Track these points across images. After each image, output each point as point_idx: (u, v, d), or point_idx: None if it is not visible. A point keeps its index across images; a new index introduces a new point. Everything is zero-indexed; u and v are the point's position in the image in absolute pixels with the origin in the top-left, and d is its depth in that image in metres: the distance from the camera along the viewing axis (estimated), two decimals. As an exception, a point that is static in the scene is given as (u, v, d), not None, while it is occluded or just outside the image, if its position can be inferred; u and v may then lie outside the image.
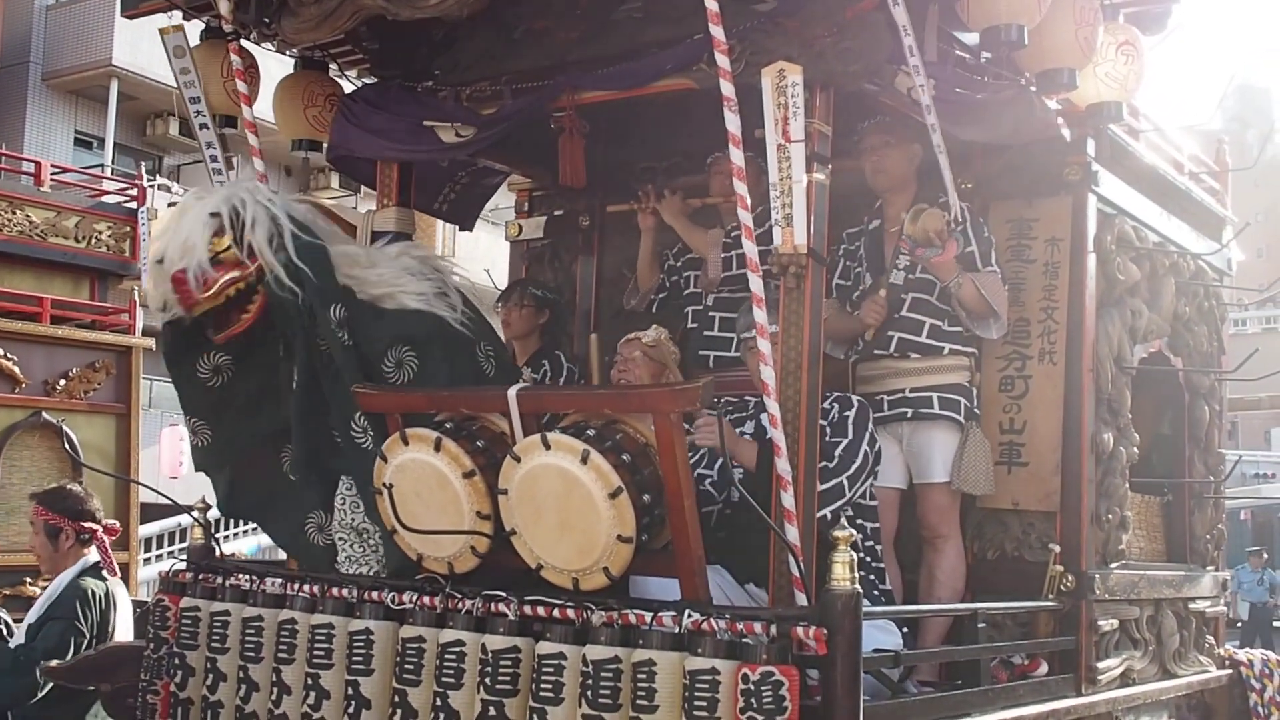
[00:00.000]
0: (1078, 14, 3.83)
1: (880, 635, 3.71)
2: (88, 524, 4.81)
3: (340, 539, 3.99)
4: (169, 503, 5.22)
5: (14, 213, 8.28)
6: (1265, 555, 20.52)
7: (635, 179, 5.41)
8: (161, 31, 4.65)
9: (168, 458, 15.24)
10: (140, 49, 17.74)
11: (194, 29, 4.74)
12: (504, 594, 3.33)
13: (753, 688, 2.90)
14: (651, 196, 5.10)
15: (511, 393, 3.46)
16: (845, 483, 3.79)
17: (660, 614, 3.11)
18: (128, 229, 8.93)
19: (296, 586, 3.77)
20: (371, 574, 3.87)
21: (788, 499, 3.32)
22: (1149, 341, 5.05)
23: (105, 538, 4.88)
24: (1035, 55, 3.84)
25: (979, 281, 4.30)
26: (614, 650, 3.08)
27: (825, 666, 3.05)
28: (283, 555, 4.53)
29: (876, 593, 3.94)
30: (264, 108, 4.64)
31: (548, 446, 3.24)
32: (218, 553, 4.39)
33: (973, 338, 4.43)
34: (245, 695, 3.76)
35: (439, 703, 3.31)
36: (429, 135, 4.31)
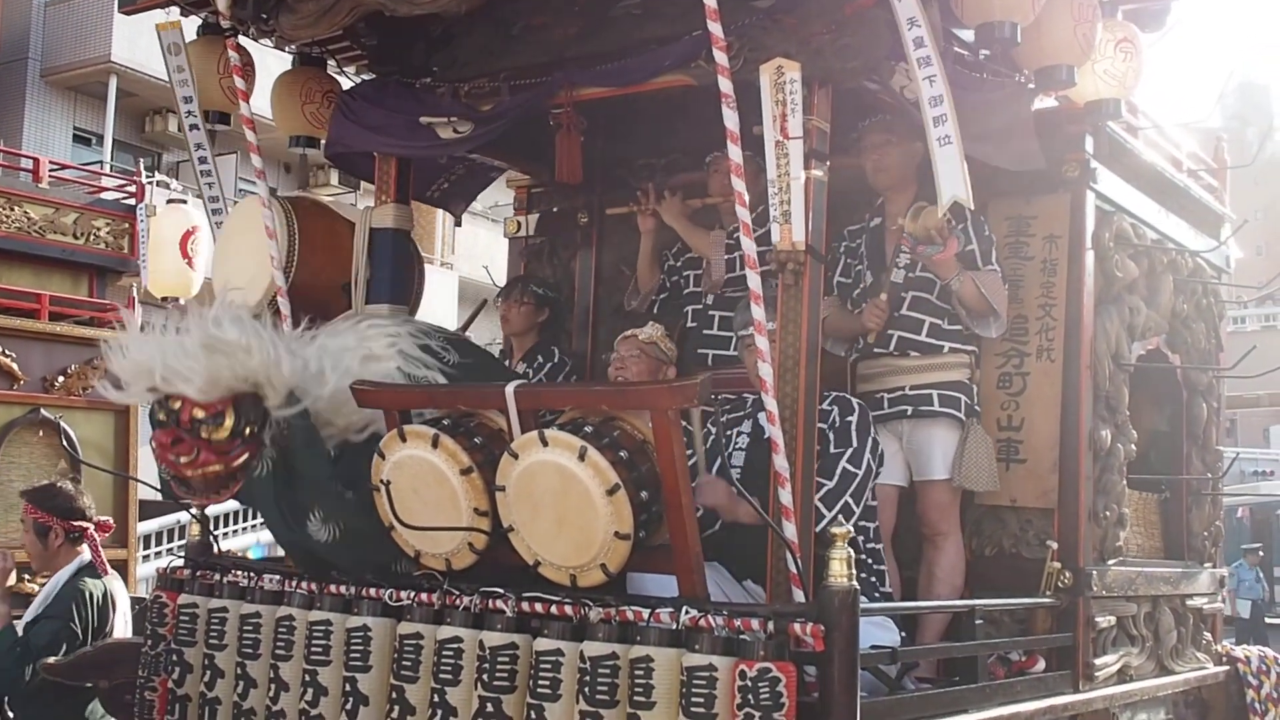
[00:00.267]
0: (1076, 11, 3.83)
1: (878, 632, 3.71)
2: (77, 522, 4.78)
3: None
4: (167, 500, 5.22)
5: (12, 209, 8.27)
6: (1262, 553, 20.54)
7: (634, 176, 5.41)
8: (158, 27, 4.65)
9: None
10: (139, 45, 17.73)
11: (191, 24, 4.74)
12: (501, 591, 3.33)
13: (750, 684, 2.91)
14: (651, 198, 5.09)
15: (509, 389, 3.46)
16: (850, 501, 3.79)
17: (658, 610, 3.12)
18: (126, 226, 8.92)
19: (294, 583, 3.77)
20: None
21: (785, 496, 3.32)
22: (1147, 339, 5.05)
23: (97, 535, 4.86)
24: (1033, 52, 3.84)
25: (979, 280, 4.30)
26: (611, 647, 3.09)
27: (823, 663, 3.06)
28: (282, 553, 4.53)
29: (877, 594, 3.94)
30: (262, 104, 4.64)
31: (545, 443, 3.24)
32: (215, 549, 4.39)
33: (972, 335, 4.44)
34: (243, 692, 3.76)
35: (437, 699, 3.32)
36: (427, 131, 4.31)
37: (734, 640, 3.00)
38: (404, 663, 3.41)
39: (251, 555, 3.96)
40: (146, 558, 12.29)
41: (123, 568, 7.75)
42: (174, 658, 3.97)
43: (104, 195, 9.38)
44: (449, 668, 3.32)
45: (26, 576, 7.10)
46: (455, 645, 3.32)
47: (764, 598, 3.53)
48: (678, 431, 3.22)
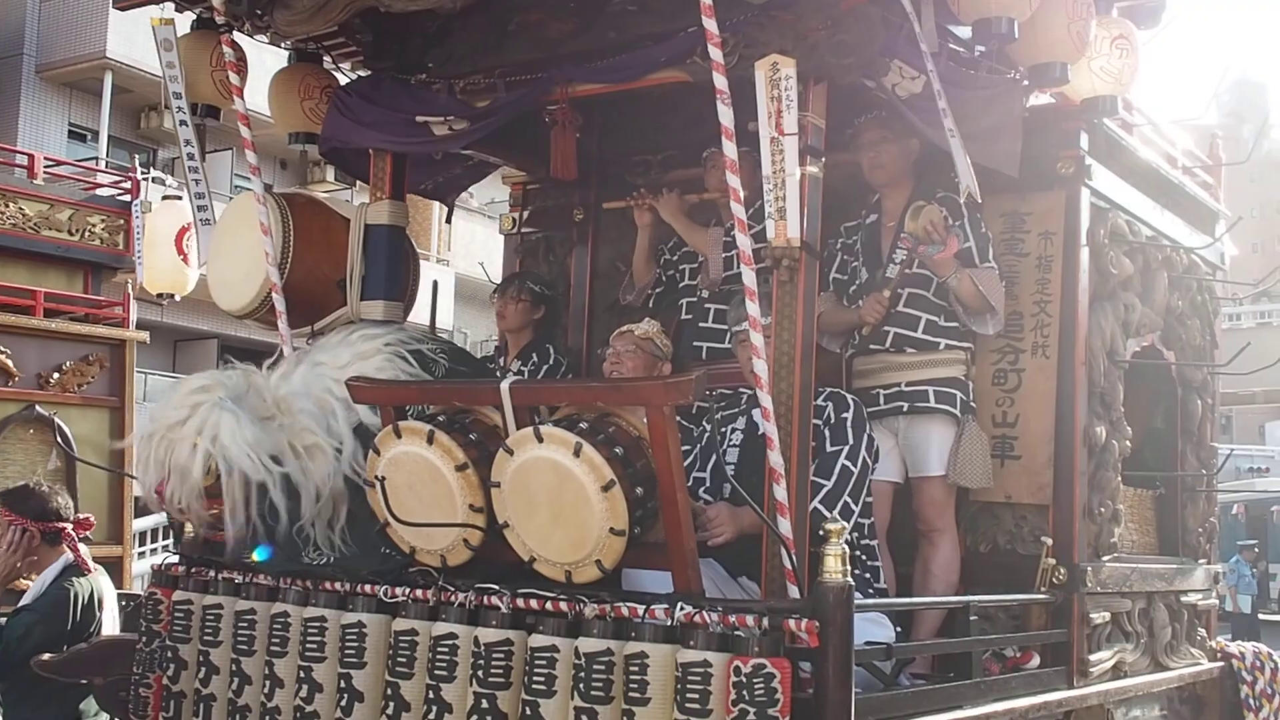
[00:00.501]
0: (1070, 8, 3.83)
1: (873, 629, 3.71)
2: (53, 523, 4.76)
3: None
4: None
5: (7, 205, 8.25)
6: (1257, 549, 20.59)
7: (629, 172, 5.41)
8: (152, 23, 4.65)
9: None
10: (135, 41, 17.71)
11: (185, 20, 4.73)
12: (496, 587, 3.33)
13: (745, 680, 2.91)
14: (648, 194, 5.09)
15: (504, 386, 3.46)
16: (849, 500, 3.79)
17: (653, 607, 3.12)
18: (121, 222, 8.90)
19: (289, 580, 3.77)
20: None
21: (780, 492, 3.33)
22: (1142, 335, 5.05)
23: (75, 533, 4.83)
24: (1028, 49, 3.84)
25: (977, 277, 4.30)
26: (606, 643, 3.09)
27: (818, 659, 3.06)
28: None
29: (872, 590, 3.94)
30: (257, 100, 4.64)
31: (540, 439, 3.25)
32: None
33: (968, 332, 4.44)
34: (238, 688, 3.76)
35: (432, 695, 3.32)
36: (422, 128, 4.31)
37: (729, 636, 3.00)
38: (399, 659, 3.41)
39: (257, 558, 3.94)
40: (141, 554, 12.27)
41: (118, 564, 7.76)
42: (169, 654, 3.97)
43: (99, 191, 9.36)
44: (444, 664, 3.32)
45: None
46: (450, 642, 3.32)
47: (759, 594, 3.53)
48: (673, 427, 3.22)
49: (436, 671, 3.33)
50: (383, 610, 3.52)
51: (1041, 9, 3.70)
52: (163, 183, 16.63)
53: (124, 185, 9.40)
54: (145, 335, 8.76)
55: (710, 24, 3.39)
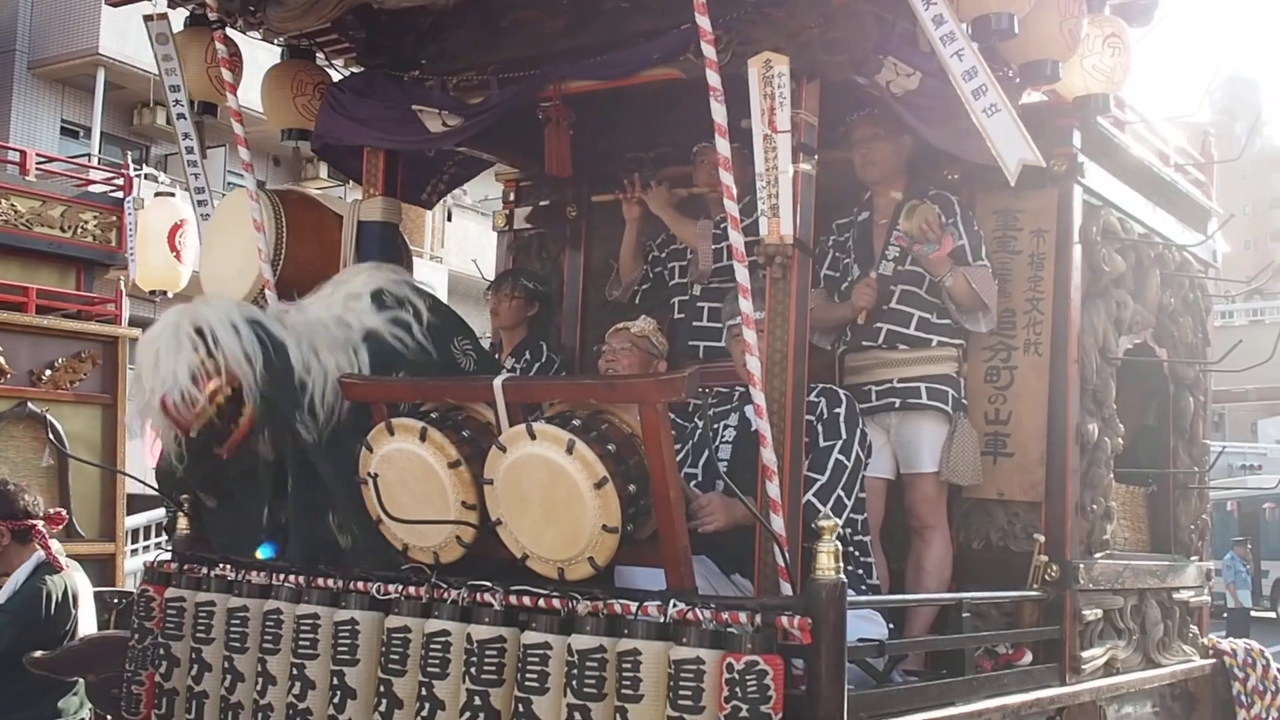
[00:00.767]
0: (1063, 6, 3.82)
1: (866, 625, 3.71)
2: (22, 521, 4.74)
3: None
4: (156, 494, 5.20)
5: (-1, 202, 8.26)
6: (1248, 545, 20.66)
7: (622, 169, 5.41)
8: (145, 18, 4.64)
9: (154, 449, 15.19)
10: (127, 38, 17.65)
11: (178, 16, 4.72)
12: (489, 584, 3.33)
13: (737, 677, 2.91)
14: (637, 187, 5.09)
15: (497, 383, 3.46)
16: (843, 495, 3.80)
17: (645, 604, 3.12)
18: (114, 219, 8.90)
19: (282, 577, 3.77)
20: None
21: (773, 489, 3.33)
22: (1134, 333, 5.06)
23: (45, 530, 4.81)
24: (1020, 47, 3.83)
25: (970, 275, 4.31)
26: (599, 640, 3.09)
27: (810, 656, 3.07)
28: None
29: (864, 587, 3.95)
30: (250, 97, 4.63)
31: (533, 436, 3.25)
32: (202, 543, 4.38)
33: (960, 329, 4.45)
34: (230, 685, 3.76)
35: (424, 693, 3.32)
36: (415, 125, 4.31)
37: (721, 633, 3.00)
38: (392, 656, 3.41)
39: (261, 555, 3.94)
40: (134, 551, 12.27)
41: (110, 562, 7.75)
42: (161, 652, 3.96)
43: (92, 188, 9.36)
44: (437, 661, 3.32)
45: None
46: (443, 639, 3.32)
47: (752, 591, 3.54)
48: (666, 425, 3.22)
49: (429, 668, 3.33)
50: (375, 607, 3.52)
51: (1034, 7, 3.70)
52: (155, 179, 16.63)
53: (116, 182, 9.40)
54: (138, 332, 8.72)
55: (703, 21, 3.39)
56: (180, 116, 4.71)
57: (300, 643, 3.59)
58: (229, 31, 4.48)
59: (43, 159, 9.71)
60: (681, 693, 2.97)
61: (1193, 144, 6.11)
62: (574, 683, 3.08)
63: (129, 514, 8.99)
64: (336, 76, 4.87)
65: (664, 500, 3.23)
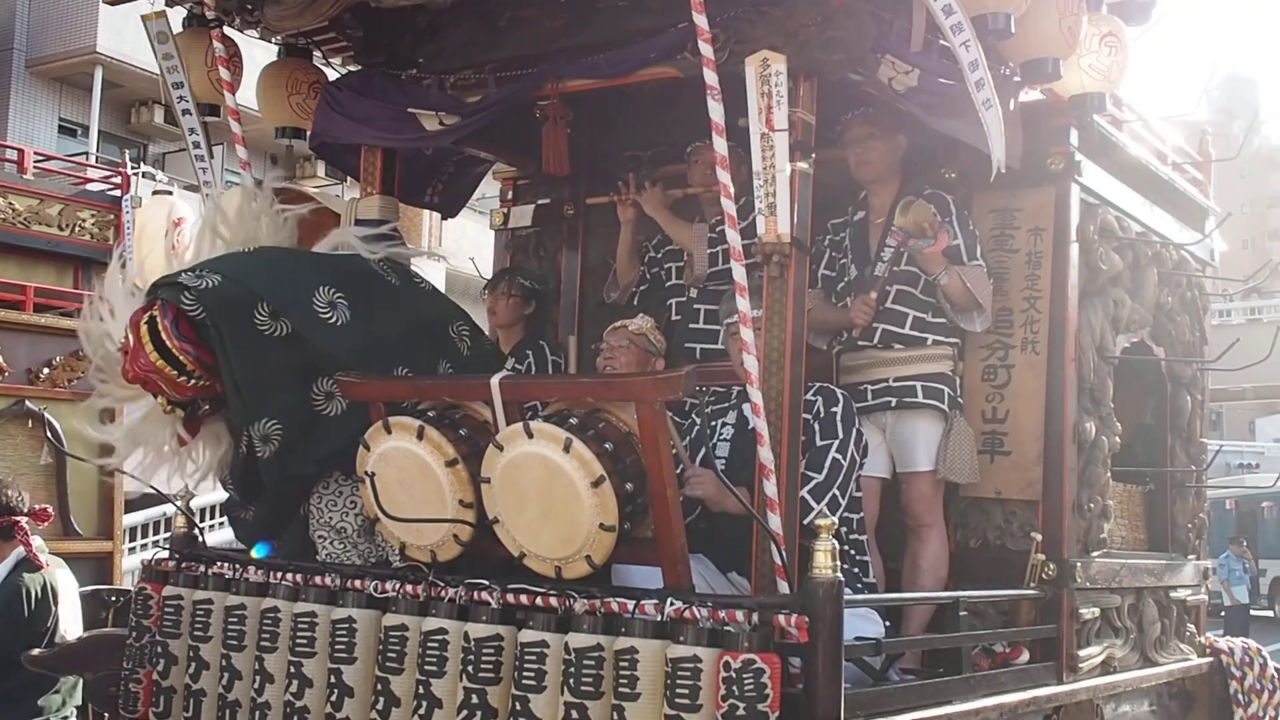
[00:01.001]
0: (1061, 5, 3.83)
1: (862, 624, 3.72)
2: (4, 518, 4.72)
3: (320, 537, 4.00)
4: (153, 492, 5.19)
5: (-3, 200, 8.26)
6: (1244, 543, 20.68)
7: (620, 168, 5.40)
8: (144, 18, 4.63)
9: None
10: (125, 36, 17.63)
11: (176, 15, 4.72)
12: (486, 582, 3.33)
13: (734, 675, 2.91)
14: (632, 188, 5.09)
15: (494, 381, 3.47)
16: (838, 493, 3.80)
17: (642, 602, 3.12)
18: (111, 217, 8.89)
19: (279, 575, 3.77)
20: None
21: (770, 488, 3.33)
22: (1131, 331, 5.06)
23: (30, 526, 4.79)
24: (1019, 45, 3.84)
25: (964, 275, 4.32)
26: (596, 638, 3.09)
27: (807, 654, 3.07)
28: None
29: (860, 585, 3.95)
30: (247, 96, 4.63)
31: (530, 435, 3.25)
32: (200, 541, 4.38)
33: (956, 328, 4.45)
34: (228, 683, 3.76)
35: (421, 691, 3.32)
36: (413, 123, 4.30)
37: (718, 632, 3.01)
38: (389, 654, 3.41)
39: (257, 554, 3.94)
40: (132, 550, 12.26)
41: (108, 560, 7.74)
42: (159, 649, 3.96)
43: (89, 186, 9.35)
44: (434, 659, 3.32)
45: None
46: (440, 637, 3.33)
47: (749, 589, 3.54)
48: (663, 423, 3.23)
49: (426, 667, 3.33)
50: (373, 605, 3.53)
51: (1033, 6, 3.71)
52: (153, 178, 16.61)
53: (114, 180, 9.39)
54: (136, 331, 8.71)
55: (701, 20, 3.39)
56: (186, 113, 4.71)
57: (298, 641, 3.59)
58: (227, 30, 4.48)
59: (40, 157, 9.70)
60: (679, 691, 2.97)
61: (1190, 143, 6.11)
62: (571, 681, 3.08)
63: (127, 512, 8.98)
64: (333, 75, 4.87)
65: (661, 499, 3.24)
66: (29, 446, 7.66)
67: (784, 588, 3.28)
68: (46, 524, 4.97)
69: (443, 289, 5.12)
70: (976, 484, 4.46)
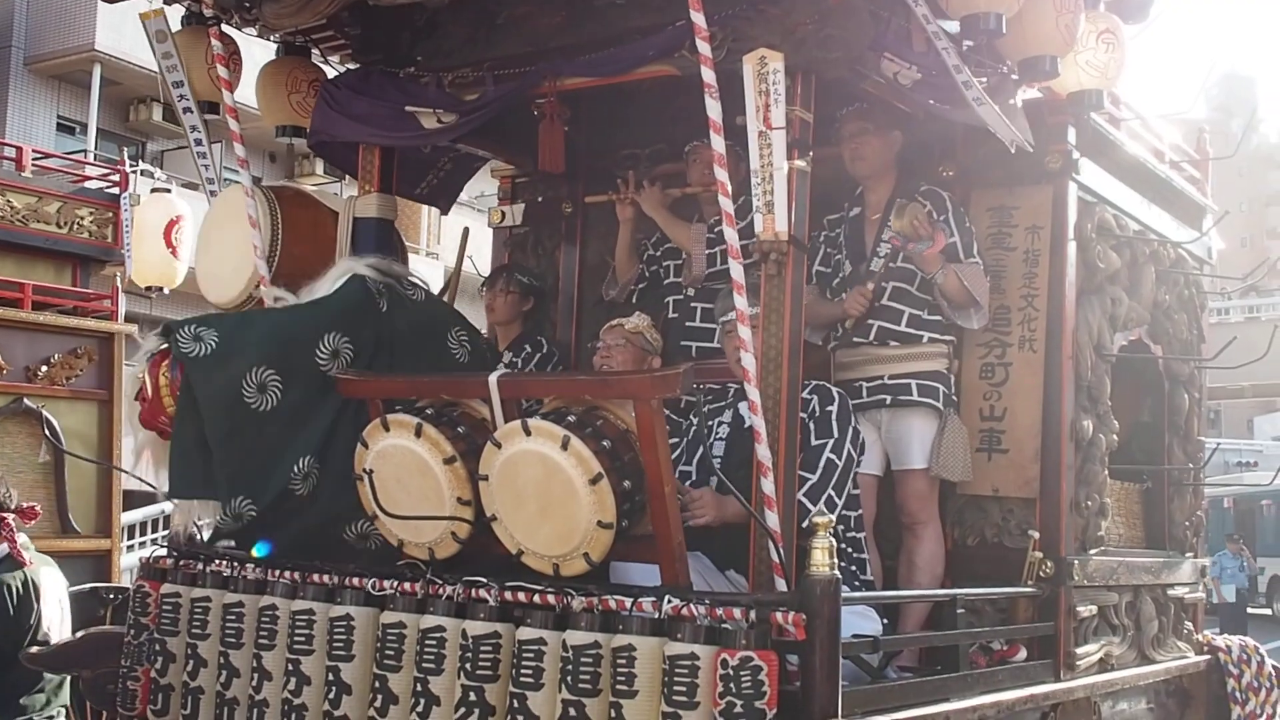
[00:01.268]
0: (1059, 2, 3.83)
1: (860, 621, 3.72)
2: None
3: None
4: (151, 490, 5.20)
5: (-5, 198, 8.24)
6: (1241, 541, 20.70)
7: (618, 166, 5.40)
8: (142, 16, 4.63)
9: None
10: (124, 33, 17.62)
11: (175, 13, 4.72)
12: (484, 580, 3.34)
13: (732, 672, 2.92)
14: (630, 187, 5.09)
15: (492, 379, 3.47)
16: (834, 493, 3.80)
17: (640, 600, 3.13)
18: (110, 215, 8.87)
19: (277, 572, 3.77)
20: None
21: (768, 485, 3.33)
22: (1129, 329, 5.07)
23: (16, 523, 4.79)
24: (1017, 43, 3.85)
25: (961, 273, 4.32)
26: (594, 636, 3.10)
27: (804, 651, 3.08)
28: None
29: (858, 583, 3.95)
30: (245, 93, 4.63)
31: (528, 433, 3.25)
32: (198, 539, 4.38)
33: (951, 325, 4.46)
34: (226, 681, 3.76)
35: (419, 688, 3.33)
36: (411, 121, 4.30)
37: (716, 629, 3.01)
38: (387, 652, 3.41)
39: (256, 554, 3.94)
40: (130, 548, 12.26)
41: (106, 558, 7.74)
42: (157, 647, 3.96)
43: (88, 184, 9.32)
44: (432, 657, 3.33)
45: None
46: (438, 634, 3.33)
47: (746, 587, 3.54)
48: (660, 421, 3.23)
49: (424, 664, 3.33)
50: (371, 603, 3.53)
51: (1030, 4, 3.71)
52: (151, 175, 16.60)
53: (112, 178, 9.36)
54: (134, 328, 8.71)
55: (698, 18, 3.39)
56: (187, 111, 4.71)
57: (296, 638, 3.60)
58: (225, 28, 4.48)
59: (39, 155, 9.68)
60: (676, 688, 2.97)
61: (1189, 141, 6.11)
62: (569, 678, 3.09)
63: (125, 510, 8.97)
64: (332, 73, 4.87)
65: (659, 496, 3.24)
66: (27, 444, 7.65)
67: (782, 585, 3.29)
68: (34, 521, 4.96)
69: (441, 287, 5.15)
70: (974, 482, 4.47)
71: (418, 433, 3.46)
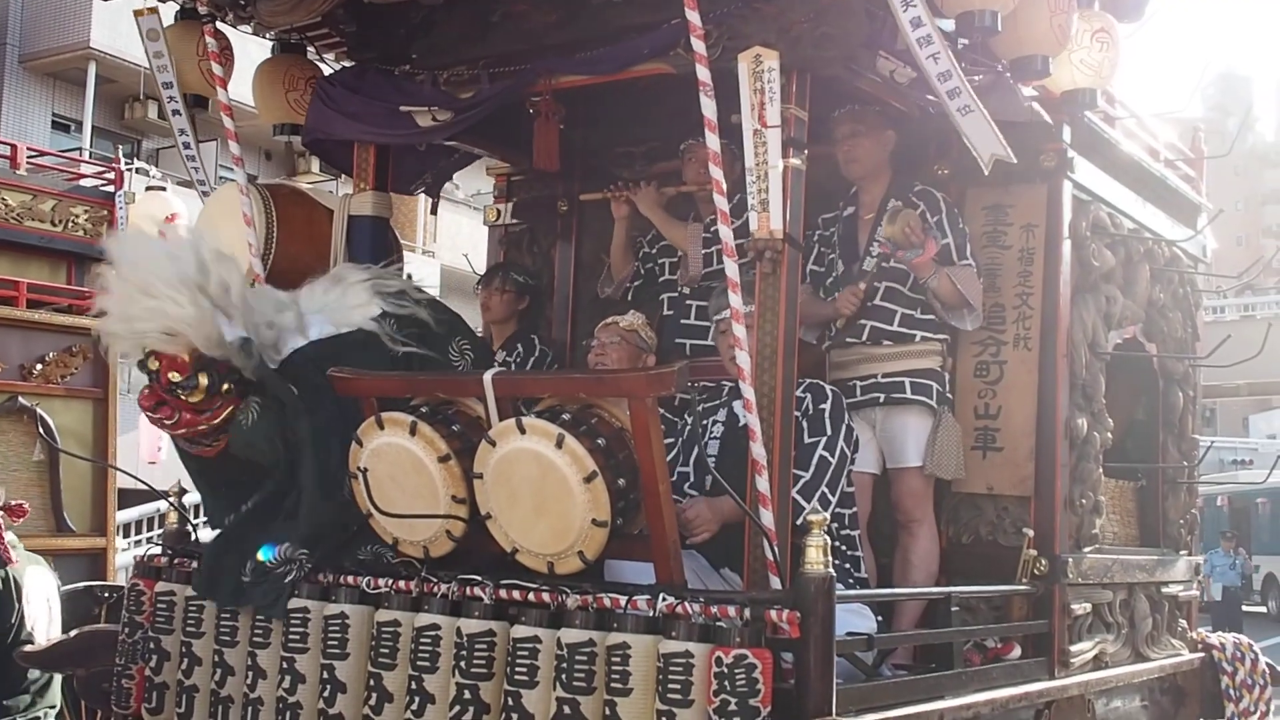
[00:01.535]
0: (1053, 1, 3.84)
1: (854, 619, 3.73)
2: None
3: None
4: (146, 488, 5.19)
5: (-10, 196, 8.23)
6: (1234, 538, 20.74)
7: (613, 164, 5.41)
8: (136, 14, 4.63)
9: (145, 443, 15.14)
10: (119, 31, 17.61)
11: (170, 11, 4.72)
12: (479, 578, 3.34)
13: (726, 670, 2.92)
14: (625, 187, 5.09)
15: (487, 377, 3.47)
16: (827, 490, 3.80)
17: (635, 598, 3.13)
18: (105, 213, 8.86)
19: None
20: None
21: (762, 483, 3.34)
22: (1123, 327, 5.07)
23: (2, 521, 4.77)
24: (1010, 42, 3.85)
25: (954, 275, 4.32)
26: (589, 634, 3.10)
27: (799, 649, 3.08)
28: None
29: (852, 581, 3.96)
30: (240, 91, 4.62)
31: (523, 431, 3.25)
32: (193, 537, 4.38)
33: (944, 323, 4.46)
34: (220, 680, 3.76)
35: (414, 686, 3.33)
36: (406, 119, 4.30)
37: (710, 627, 3.01)
38: (382, 650, 3.41)
39: (263, 557, 3.91)
40: (126, 547, 12.25)
41: (102, 556, 7.73)
42: (151, 645, 3.96)
43: (83, 182, 9.31)
44: (427, 655, 3.33)
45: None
46: (433, 632, 3.33)
47: (741, 585, 3.54)
48: (655, 419, 3.23)
49: (419, 662, 3.33)
50: (365, 601, 3.53)
51: (1024, 3, 3.71)
52: (146, 173, 16.57)
53: (107, 176, 9.35)
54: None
55: (693, 16, 3.39)
56: (176, 112, 4.71)
57: (291, 637, 3.60)
58: (219, 25, 4.47)
59: (34, 153, 9.66)
60: (670, 686, 2.98)
61: (1185, 140, 6.12)
62: (563, 676, 3.09)
63: (120, 509, 8.96)
64: (327, 71, 4.86)
65: (653, 494, 3.24)
66: (22, 443, 7.64)
67: (776, 583, 3.29)
68: (24, 519, 4.95)
69: (438, 285, 5.15)
70: (969, 480, 4.48)
71: (412, 431, 3.46)
